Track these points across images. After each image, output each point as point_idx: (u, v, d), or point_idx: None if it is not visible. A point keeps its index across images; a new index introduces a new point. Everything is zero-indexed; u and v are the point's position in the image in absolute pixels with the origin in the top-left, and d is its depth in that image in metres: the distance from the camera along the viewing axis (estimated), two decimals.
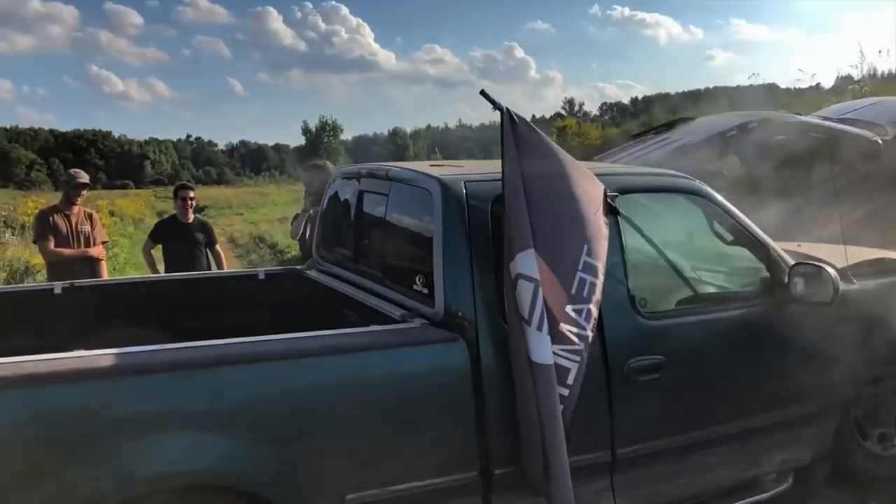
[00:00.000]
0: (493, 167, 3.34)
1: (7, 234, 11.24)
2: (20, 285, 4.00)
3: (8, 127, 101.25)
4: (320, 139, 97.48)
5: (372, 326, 2.87)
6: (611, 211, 3.04)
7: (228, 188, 69.89)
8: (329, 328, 2.99)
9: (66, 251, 5.74)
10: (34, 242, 5.95)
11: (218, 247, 6.66)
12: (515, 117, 2.84)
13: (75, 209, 5.89)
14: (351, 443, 2.58)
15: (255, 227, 26.53)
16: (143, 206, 32.22)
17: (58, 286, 3.77)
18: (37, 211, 6.00)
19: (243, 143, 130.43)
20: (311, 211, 6.20)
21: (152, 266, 6.47)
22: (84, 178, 5.90)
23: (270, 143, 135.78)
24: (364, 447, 2.61)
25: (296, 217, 6.42)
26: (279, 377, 2.52)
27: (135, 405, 2.34)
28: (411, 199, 3.25)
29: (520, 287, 2.72)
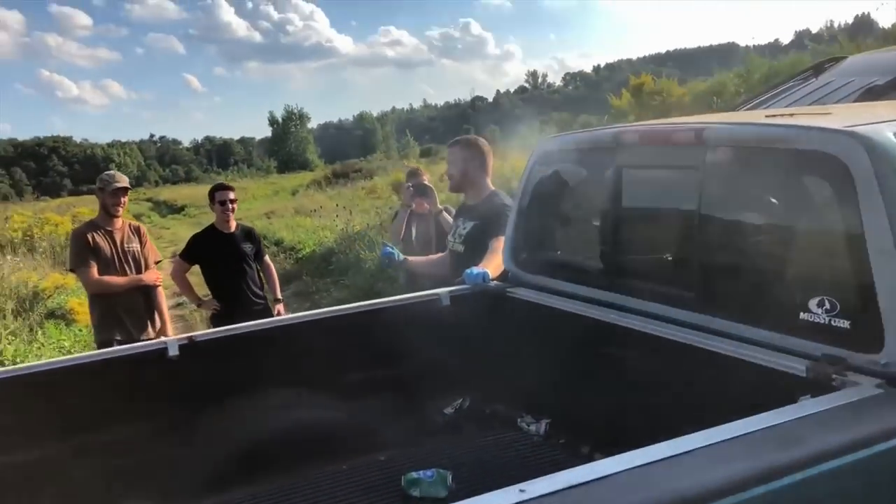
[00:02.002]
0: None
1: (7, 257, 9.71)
2: (119, 348, 2.69)
3: None
4: (287, 129, 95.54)
5: (803, 398, 1.66)
6: None
7: (199, 185, 67.79)
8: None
9: (116, 281, 4.45)
10: (71, 270, 4.66)
11: (267, 258, 5.48)
12: None
13: (118, 223, 4.60)
14: None
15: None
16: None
17: (173, 344, 2.50)
18: (71, 230, 4.72)
19: (208, 139, 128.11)
20: (413, 206, 5.00)
21: (190, 292, 5.22)
22: (123, 181, 4.57)
23: (235, 136, 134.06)
24: None
25: (395, 215, 5.20)
26: None
27: None
28: (774, 171, 2.03)
29: None
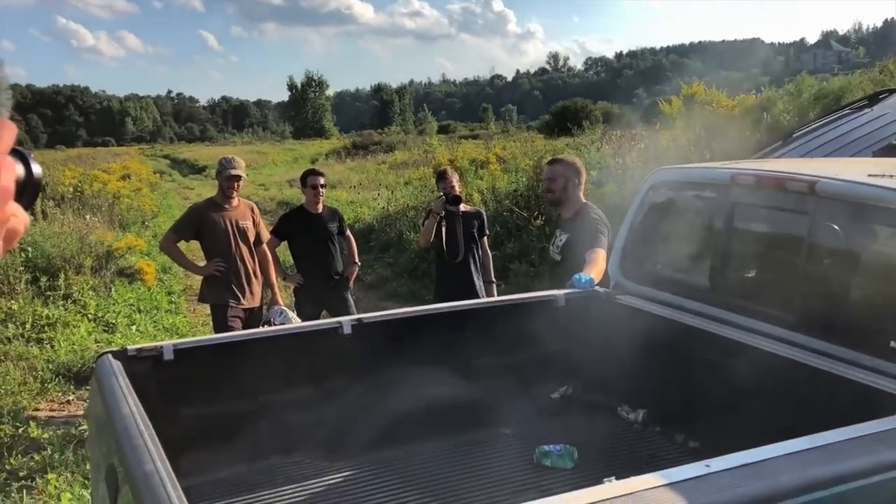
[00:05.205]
0: None
1: (69, 213, 10.18)
2: (301, 325, 3.21)
3: None
4: (306, 95, 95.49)
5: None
6: None
7: (217, 146, 68.23)
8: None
9: (179, 259, 5.20)
10: (193, 238, 5.14)
11: (349, 231, 5.96)
12: None
13: (234, 202, 5.10)
14: None
15: (266, 191, 25.39)
16: (150, 170, 30.85)
17: (347, 324, 3.00)
18: (193, 204, 5.24)
19: (225, 98, 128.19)
20: (443, 213, 5.32)
21: (278, 265, 5.72)
22: (238, 169, 5.06)
23: (252, 98, 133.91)
24: None
25: (426, 218, 5.50)
26: None
27: None
28: (874, 223, 2.50)
29: None
